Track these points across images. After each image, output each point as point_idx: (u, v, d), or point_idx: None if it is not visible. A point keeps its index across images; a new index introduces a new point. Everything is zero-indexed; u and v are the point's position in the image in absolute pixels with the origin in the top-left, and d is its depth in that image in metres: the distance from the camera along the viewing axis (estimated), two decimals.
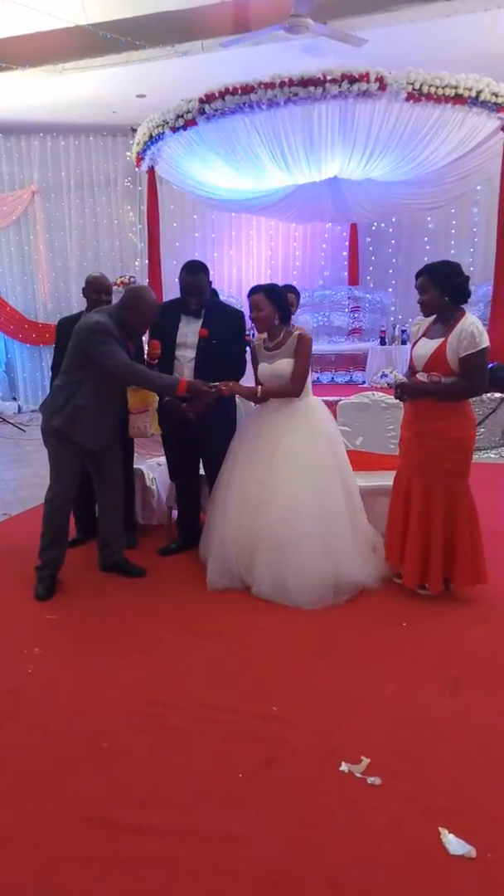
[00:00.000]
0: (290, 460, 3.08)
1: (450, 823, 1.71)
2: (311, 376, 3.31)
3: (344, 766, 1.93)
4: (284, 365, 3.13)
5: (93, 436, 3.11)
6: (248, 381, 3.37)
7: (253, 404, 3.38)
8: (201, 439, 3.44)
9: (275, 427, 3.15)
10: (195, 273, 3.31)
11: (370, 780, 1.88)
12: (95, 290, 3.55)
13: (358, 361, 7.90)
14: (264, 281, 8.96)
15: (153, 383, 3.10)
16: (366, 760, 1.95)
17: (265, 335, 3.26)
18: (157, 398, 3.23)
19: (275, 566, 3.02)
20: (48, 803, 1.83)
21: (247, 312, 3.46)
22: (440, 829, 1.69)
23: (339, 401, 3.98)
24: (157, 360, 3.26)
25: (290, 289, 4.28)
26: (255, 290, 3.18)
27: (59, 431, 3.08)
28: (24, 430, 7.52)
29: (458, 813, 1.76)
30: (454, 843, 1.65)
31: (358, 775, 1.90)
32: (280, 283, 4.74)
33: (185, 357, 3.34)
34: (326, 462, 3.12)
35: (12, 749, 2.06)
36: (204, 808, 1.80)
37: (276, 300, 3.15)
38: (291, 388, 3.14)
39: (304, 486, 3.05)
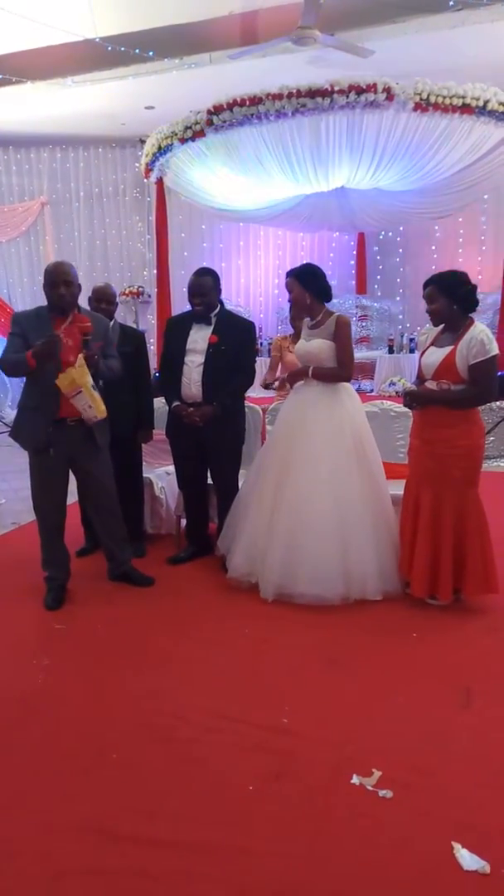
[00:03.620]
0: (308, 446, 3.10)
1: (463, 838, 1.69)
2: None
3: (355, 779, 1.91)
4: (318, 345, 3.16)
5: (33, 437, 3.01)
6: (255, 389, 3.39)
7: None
8: (209, 448, 3.44)
9: (300, 412, 3.20)
10: (200, 275, 3.39)
11: (381, 792, 1.86)
12: (96, 298, 3.57)
13: (366, 370, 7.89)
14: (272, 290, 9.09)
15: (14, 366, 2.91)
16: (377, 773, 1.93)
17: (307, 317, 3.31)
18: (87, 376, 2.90)
19: (287, 552, 3.03)
20: (57, 815, 1.81)
21: (257, 322, 3.49)
22: (453, 844, 1.67)
23: None
24: (88, 335, 2.94)
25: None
26: (287, 275, 3.27)
27: (15, 437, 3.08)
28: None
29: (471, 827, 1.73)
30: (467, 858, 1.62)
31: (369, 788, 1.88)
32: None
33: (194, 362, 3.36)
34: (346, 448, 3.12)
35: (21, 759, 2.06)
36: (213, 820, 1.78)
37: (307, 282, 3.19)
38: (340, 373, 3.19)
39: (319, 472, 3.07)
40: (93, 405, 2.93)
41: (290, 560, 3.03)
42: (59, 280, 2.92)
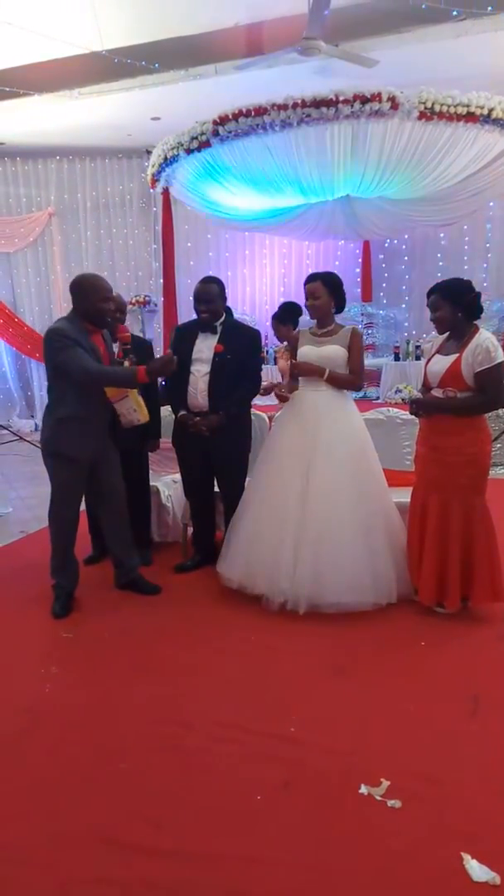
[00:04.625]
0: (329, 453, 3.09)
1: (472, 848, 1.67)
2: None
3: (363, 789, 1.90)
4: (334, 350, 3.18)
5: (80, 445, 3.05)
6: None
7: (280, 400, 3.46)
8: (216, 456, 3.45)
9: (313, 420, 3.16)
10: (206, 282, 3.43)
11: (390, 802, 1.85)
12: None
13: (372, 377, 7.87)
14: (278, 299, 9.10)
15: (114, 379, 2.99)
16: (385, 782, 1.92)
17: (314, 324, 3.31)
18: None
19: (316, 562, 3.00)
20: (64, 824, 1.81)
21: (262, 331, 3.49)
22: (462, 855, 1.65)
23: None
24: (128, 345, 3.17)
25: (295, 306, 4.30)
26: (312, 278, 3.24)
27: (48, 449, 3.09)
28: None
29: (480, 837, 1.72)
30: (477, 869, 1.61)
31: (377, 798, 1.87)
32: (293, 299, 4.78)
33: (200, 371, 3.37)
34: (360, 455, 3.15)
35: (28, 769, 2.06)
36: (221, 829, 1.77)
37: (335, 290, 3.21)
38: (355, 380, 3.24)
39: (341, 479, 3.06)
40: (137, 409, 3.07)
41: (321, 570, 3.00)
42: (107, 295, 3.02)
